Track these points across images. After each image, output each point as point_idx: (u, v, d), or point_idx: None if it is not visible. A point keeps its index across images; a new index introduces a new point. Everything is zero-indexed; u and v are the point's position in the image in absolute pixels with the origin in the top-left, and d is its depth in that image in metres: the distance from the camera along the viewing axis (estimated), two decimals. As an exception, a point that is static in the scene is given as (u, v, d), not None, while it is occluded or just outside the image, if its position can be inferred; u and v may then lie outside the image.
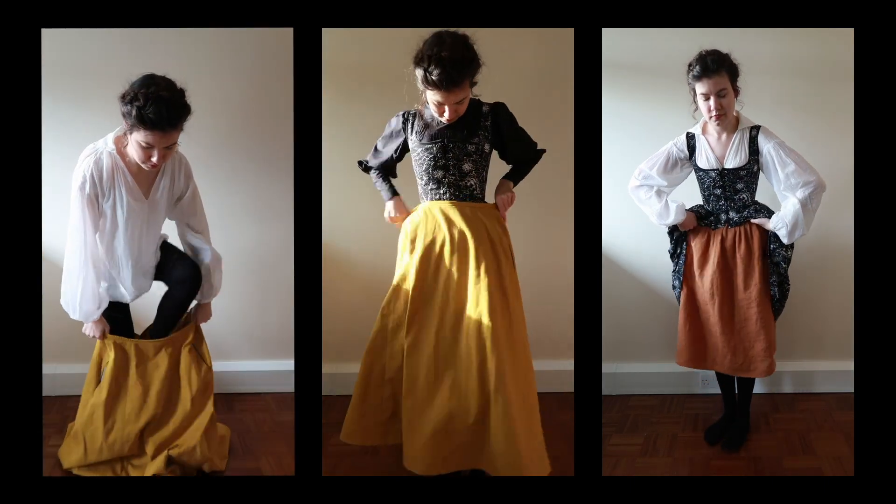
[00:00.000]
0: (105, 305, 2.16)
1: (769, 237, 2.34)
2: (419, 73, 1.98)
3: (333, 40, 2.62)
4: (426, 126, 2.12)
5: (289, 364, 2.43)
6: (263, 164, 2.81)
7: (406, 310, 2.12)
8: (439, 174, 2.11)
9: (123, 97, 1.94)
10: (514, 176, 2.27)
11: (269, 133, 2.77)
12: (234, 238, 2.82)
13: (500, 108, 2.15)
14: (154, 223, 2.16)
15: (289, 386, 2.45)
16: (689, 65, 2.26)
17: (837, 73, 2.62)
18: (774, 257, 2.34)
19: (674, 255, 2.50)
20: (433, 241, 2.11)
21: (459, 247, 2.08)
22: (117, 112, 2.67)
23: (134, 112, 1.90)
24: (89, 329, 2.18)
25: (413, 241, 2.18)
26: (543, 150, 2.32)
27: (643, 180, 2.44)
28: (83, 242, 2.01)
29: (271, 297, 2.92)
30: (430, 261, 2.12)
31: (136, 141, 1.95)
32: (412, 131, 2.14)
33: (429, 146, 2.10)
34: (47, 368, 2.50)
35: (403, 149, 2.23)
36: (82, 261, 2.01)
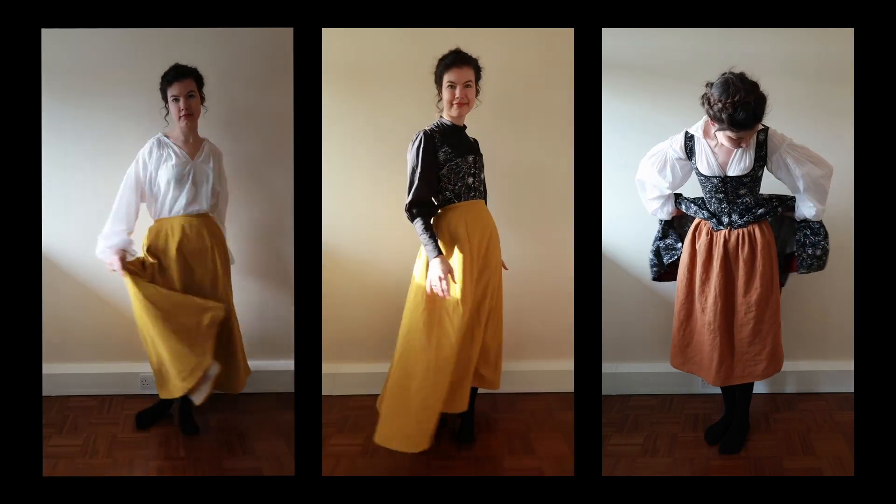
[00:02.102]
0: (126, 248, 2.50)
1: (795, 231, 2.35)
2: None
3: (333, 40, 2.63)
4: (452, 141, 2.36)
5: (289, 364, 2.43)
6: (263, 163, 2.81)
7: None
8: (470, 180, 2.38)
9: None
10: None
11: (270, 133, 2.77)
12: (233, 238, 2.82)
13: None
14: (207, 178, 2.57)
15: (289, 386, 2.45)
16: (727, 113, 2.03)
17: (837, 73, 2.62)
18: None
19: (662, 238, 2.50)
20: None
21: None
22: (117, 112, 2.69)
23: (160, 82, 2.51)
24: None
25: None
26: None
27: (647, 178, 2.42)
28: (122, 200, 2.48)
29: (271, 297, 2.92)
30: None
31: (171, 101, 2.47)
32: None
33: (465, 156, 2.36)
34: (47, 368, 2.51)
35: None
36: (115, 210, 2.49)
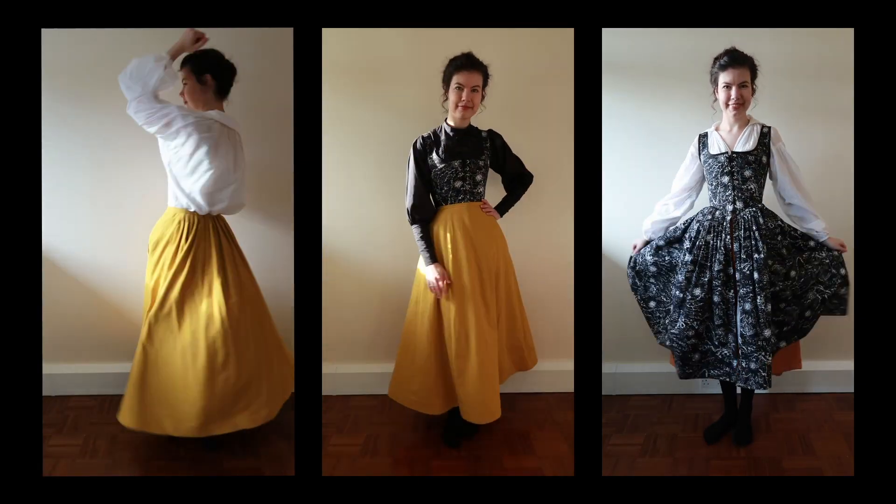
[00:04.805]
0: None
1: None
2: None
3: (333, 40, 2.63)
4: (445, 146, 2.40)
5: (289, 364, 2.43)
6: (263, 163, 2.81)
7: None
8: (458, 184, 2.40)
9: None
10: (502, 208, 2.55)
11: (270, 133, 2.77)
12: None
13: (496, 135, 2.46)
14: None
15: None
16: (716, 57, 2.34)
17: (837, 73, 2.62)
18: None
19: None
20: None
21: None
22: (117, 112, 2.69)
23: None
24: None
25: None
26: (531, 176, 2.58)
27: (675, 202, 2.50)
28: None
29: (272, 298, 2.92)
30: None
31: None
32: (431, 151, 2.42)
33: (449, 162, 2.40)
34: (47, 368, 2.51)
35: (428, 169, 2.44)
36: None
